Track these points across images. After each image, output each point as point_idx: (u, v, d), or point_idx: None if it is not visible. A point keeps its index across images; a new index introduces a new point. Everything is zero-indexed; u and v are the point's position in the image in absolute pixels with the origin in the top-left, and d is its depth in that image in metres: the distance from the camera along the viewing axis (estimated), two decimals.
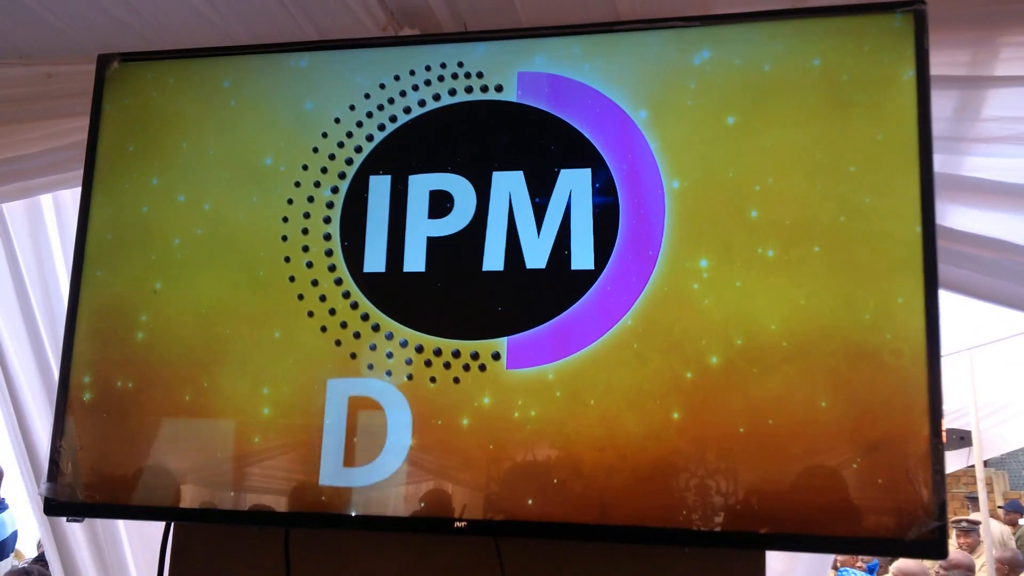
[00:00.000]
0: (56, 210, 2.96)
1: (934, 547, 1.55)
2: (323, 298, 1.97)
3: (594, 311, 1.80)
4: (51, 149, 2.72)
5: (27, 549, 8.11)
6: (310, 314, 1.97)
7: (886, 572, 6.33)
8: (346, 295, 1.96)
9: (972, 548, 7.75)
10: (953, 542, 8.22)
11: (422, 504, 1.82)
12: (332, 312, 1.96)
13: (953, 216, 1.95)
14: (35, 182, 2.80)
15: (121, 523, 2.80)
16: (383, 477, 1.84)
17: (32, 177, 2.78)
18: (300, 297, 1.98)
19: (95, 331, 2.08)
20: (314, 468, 1.88)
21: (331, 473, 1.87)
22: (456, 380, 1.85)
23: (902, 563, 6.68)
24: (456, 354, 1.86)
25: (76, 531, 2.76)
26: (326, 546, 2.05)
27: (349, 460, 1.87)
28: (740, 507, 1.67)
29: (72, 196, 2.93)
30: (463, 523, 1.78)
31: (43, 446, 2.78)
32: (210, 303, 2.03)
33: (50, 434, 2.70)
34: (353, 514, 1.85)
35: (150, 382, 2.02)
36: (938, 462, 1.55)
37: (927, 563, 6.80)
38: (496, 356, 1.84)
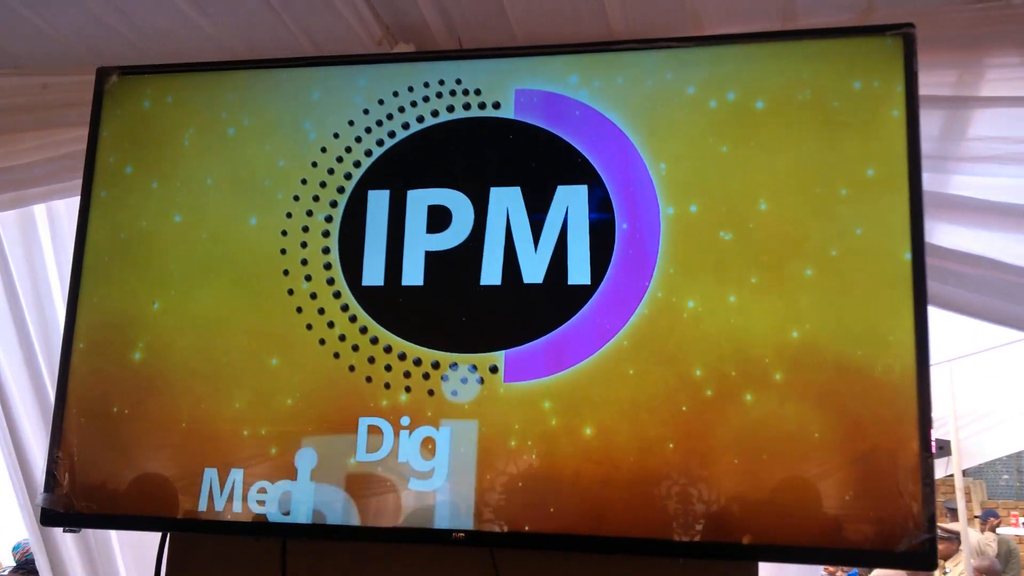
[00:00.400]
0: (50, 220, 2.96)
1: (924, 558, 1.60)
2: (321, 311, 1.99)
3: (591, 326, 1.83)
4: (46, 159, 2.73)
5: (3, 556, 8.04)
6: (308, 327, 1.99)
7: None
8: (344, 308, 1.98)
9: (947, 556, 7.86)
10: None
11: (419, 515, 1.83)
12: (331, 325, 1.98)
13: (939, 234, 2.00)
14: (30, 192, 2.81)
15: (113, 533, 2.80)
16: (381, 488, 1.86)
17: (27, 187, 2.78)
18: (299, 310, 2.00)
19: (93, 344, 2.09)
20: (309, 480, 1.90)
21: (331, 483, 1.88)
22: (454, 393, 1.87)
23: (882, 571, 6.75)
24: (454, 367, 1.89)
25: (67, 541, 2.75)
26: (323, 557, 2.06)
27: (346, 471, 1.89)
28: (733, 519, 1.70)
29: (66, 206, 2.94)
30: (461, 534, 1.80)
31: (35, 454, 2.79)
32: (208, 317, 2.04)
33: (42, 444, 2.72)
34: (351, 525, 1.86)
35: (147, 393, 2.03)
36: (928, 475, 1.59)
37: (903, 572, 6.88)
38: (494, 369, 1.86)
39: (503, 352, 1.87)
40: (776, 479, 1.69)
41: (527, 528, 1.78)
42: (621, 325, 1.82)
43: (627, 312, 1.82)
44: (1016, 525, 10.25)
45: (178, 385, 2.02)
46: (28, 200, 2.86)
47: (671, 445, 1.75)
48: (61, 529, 2.11)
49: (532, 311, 1.88)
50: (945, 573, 7.76)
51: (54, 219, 2.97)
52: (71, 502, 2.02)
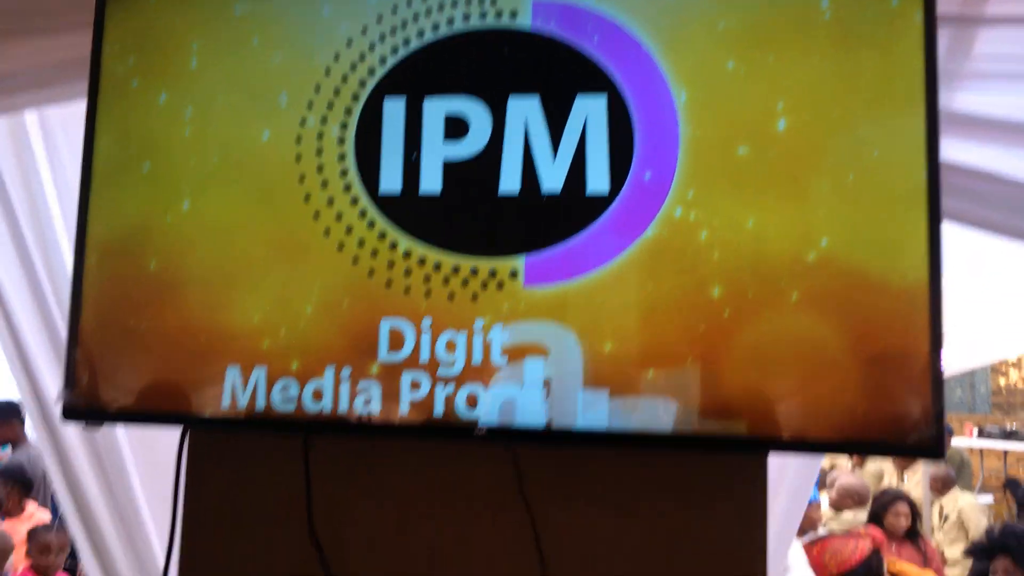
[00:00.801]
0: (43, 131, 2.93)
1: (933, 450, 1.73)
2: (339, 217, 2.02)
3: (609, 233, 1.89)
4: (37, 66, 2.69)
5: None
6: (326, 233, 2.02)
7: (825, 486, 6.70)
8: (362, 214, 2.01)
9: (907, 465, 8.27)
10: (891, 462, 8.73)
11: (441, 412, 1.91)
12: (349, 231, 2.01)
13: (948, 149, 2.07)
14: (19, 98, 2.77)
15: (123, 436, 2.86)
16: (403, 387, 1.93)
17: (16, 94, 2.74)
18: (316, 216, 2.03)
19: (105, 255, 2.11)
20: (333, 378, 1.96)
21: (352, 382, 1.95)
22: (474, 297, 1.93)
23: (845, 480, 7.08)
24: (474, 272, 1.94)
25: (76, 445, 2.81)
26: (345, 454, 2.14)
27: (368, 370, 1.95)
28: (750, 413, 1.80)
29: (59, 116, 2.91)
30: (483, 430, 1.88)
31: (38, 363, 2.82)
32: (223, 225, 2.06)
33: (46, 353, 2.76)
34: (373, 421, 1.93)
35: (165, 300, 2.06)
36: (937, 374, 1.71)
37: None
38: (513, 274, 1.92)
39: (523, 256, 1.92)
40: (792, 379, 1.79)
41: (548, 425, 1.87)
42: (640, 231, 1.88)
43: (646, 219, 1.88)
44: (970, 435, 10.77)
45: (196, 292, 2.05)
46: (19, 106, 2.82)
47: (687, 345, 1.83)
48: (82, 425, 2.16)
49: (551, 219, 1.93)
50: (903, 481, 8.14)
51: (47, 130, 2.94)
52: (91, 399, 2.07)
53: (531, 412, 1.87)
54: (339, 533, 2.10)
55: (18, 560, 5.85)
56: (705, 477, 1.97)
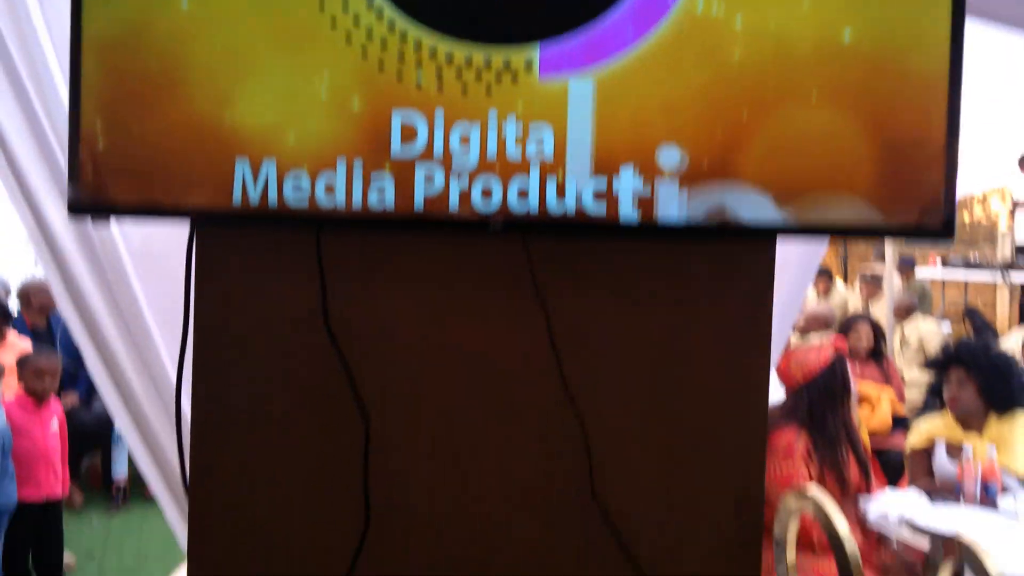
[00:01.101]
0: None
1: (942, 233, 1.81)
2: (345, 7, 1.96)
3: (628, 20, 1.86)
4: None
5: None
6: (333, 25, 1.96)
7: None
8: (370, 3, 1.95)
9: (872, 294, 8.58)
10: (857, 293, 9.04)
11: (457, 207, 1.92)
12: (356, 21, 1.96)
13: None
14: None
15: (120, 238, 2.85)
16: (417, 179, 1.93)
17: None
18: (321, 7, 1.97)
19: (103, 51, 2.03)
20: (345, 172, 1.95)
21: (365, 175, 1.95)
22: (488, 90, 1.91)
23: (812, 307, 7.34)
24: (487, 63, 1.91)
25: (73, 251, 2.81)
26: (358, 250, 2.15)
27: (381, 164, 1.95)
28: (762, 202, 1.84)
29: None
30: (498, 223, 1.91)
31: (39, 190, 2.79)
32: (223, 18, 1.99)
33: (36, 163, 2.72)
34: (387, 215, 1.95)
35: (168, 96, 2.00)
36: (952, 159, 1.77)
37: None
38: (528, 65, 1.90)
39: (538, 44, 1.89)
40: (808, 161, 1.83)
41: (563, 215, 1.89)
42: (659, 16, 1.85)
43: (665, 8, 1.85)
44: (933, 264, 11.17)
45: (200, 88, 1.99)
46: None
47: (706, 132, 1.85)
48: (88, 219, 2.15)
49: (566, 6, 1.89)
50: (868, 309, 8.44)
51: None
52: (97, 194, 2.04)
53: (546, 203, 1.90)
54: (354, 327, 2.14)
55: (6, 387, 5.95)
56: (714, 263, 2.03)
